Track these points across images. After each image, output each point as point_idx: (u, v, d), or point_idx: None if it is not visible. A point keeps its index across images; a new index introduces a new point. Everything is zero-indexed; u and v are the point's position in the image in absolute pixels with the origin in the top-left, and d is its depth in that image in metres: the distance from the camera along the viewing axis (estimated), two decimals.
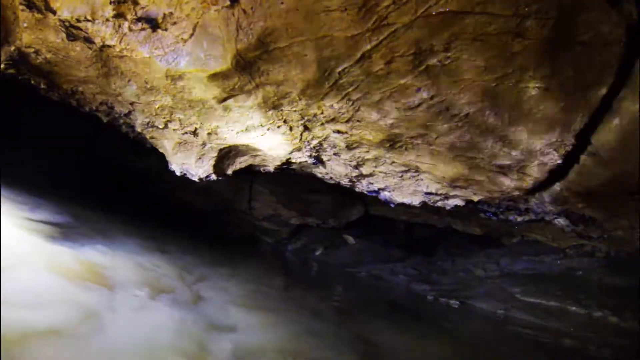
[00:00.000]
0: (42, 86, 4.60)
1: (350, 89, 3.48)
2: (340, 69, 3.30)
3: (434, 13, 2.78)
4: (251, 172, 5.27)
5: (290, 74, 3.47)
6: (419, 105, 3.39)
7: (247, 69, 3.49)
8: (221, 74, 3.53)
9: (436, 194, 4.51)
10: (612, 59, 2.88)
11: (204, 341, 3.12)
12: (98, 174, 7.98)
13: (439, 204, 4.68)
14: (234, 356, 3.05)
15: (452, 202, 4.61)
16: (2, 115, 6.39)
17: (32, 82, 4.55)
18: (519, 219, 4.86)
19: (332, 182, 4.94)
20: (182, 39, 3.41)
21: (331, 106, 3.69)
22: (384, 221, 8.30)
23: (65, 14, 3.48)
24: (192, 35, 3.35)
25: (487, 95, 3.22)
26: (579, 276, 5.83)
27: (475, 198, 4.30)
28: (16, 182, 5.51)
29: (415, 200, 4.68)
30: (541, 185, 3.81)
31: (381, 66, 3.19)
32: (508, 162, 3.62)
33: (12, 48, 3.88)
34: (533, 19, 2.71)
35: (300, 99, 3.71)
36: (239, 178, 5.53)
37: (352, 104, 3.62)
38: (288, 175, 5.60)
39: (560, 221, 4.96)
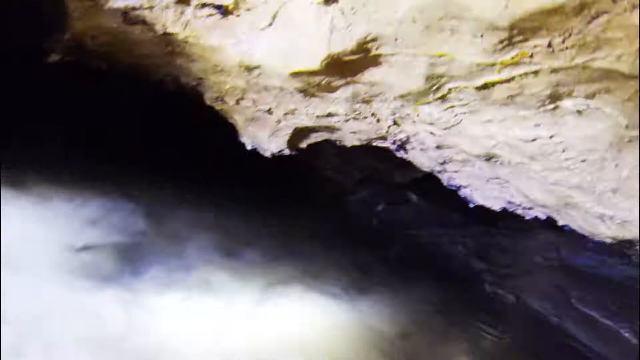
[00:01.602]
0: (103, 67, 4.31)
1: (457, 103, 2.97)
2: (451, 86, 2.80)
3: (593, 67, 2.30)
4: None
5: (388, 78, 2.95)
6: (533, 140, 2.93)
7: (338, 69, 2.95)
8: (307, 73, 3.01)
9: (519, 205, 4.19)
10: None
11: None
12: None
13: (519, 211, 4.36)
14: None
15: (533, 213, 4.28)
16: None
17: (92, 64, 4.27)
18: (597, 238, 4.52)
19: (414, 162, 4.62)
20: (257, 27, 2.90)
21: (430, 113, 3.19)
22: None
23: (118, 3, 3.08)
24: (270, 24, 2.84)
25: (614, 147, 2.76)
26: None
27: (561, 223, 3.97)
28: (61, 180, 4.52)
29: (496, 205, 4.35)
30: None
31: (503, 96, 2.67)
32: (611, 213, 3.20)
33: (67, 36, 3.59)
34: None
35: (395, 100, 3.20)
36: None
37: (455, 116, 3.13)
38: None
39: None
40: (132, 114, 6.03)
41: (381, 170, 7.48)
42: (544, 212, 4.00)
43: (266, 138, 4.32)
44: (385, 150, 4.44)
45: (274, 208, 6.15)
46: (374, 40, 2.64)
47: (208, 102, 4.30)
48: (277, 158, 4.41)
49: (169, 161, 5.94)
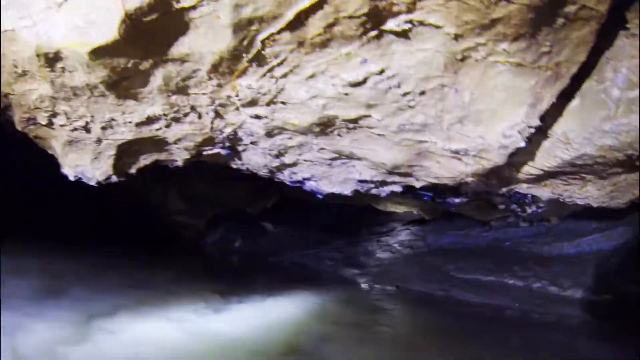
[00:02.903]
0: None
1: (274, 63, 2.59)
2: (263, 36, 2.40)
3: None
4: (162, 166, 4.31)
5: (197, 45, 2.52)
6: (364, 81, 2.60)
7: (141, 41, 2.49)
8: (107, 49, 2.50)
9: (371, 182, 3.82)
10: (589, 37, 2.42)
11: None
12: None
13: (373, 191, 4.02)
14: None
15: (388, 189, 3.97)
16: None
17: None
18: (457, 200, 4.40)
19: (249, 172, 4.12)
20: (55, 2, 2.41)
21: (249, 86, 2.79)
22: (301, 204, 7.53)
23: None
24: None
25: (450, 69, 2.53)
26: (507, 247, 5.74)
27: (418, 184, 3.68)
28: None
29: (347, 190, 3.98)
30: (499, 168, 3.29)
31: (320, 30, 2.32)
32: (465, 147, 2.96)
33: None
34: None
35: (210, 79, 2.78)
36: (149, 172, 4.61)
37: (276, 82, 2.74)
38: (201, 166, 4.71)
39: (498, 200, 4.60)
40: None
41: (231, 204, 7.37)
42: (399, 180, 3.72)
43: (89, 164, 3.74)
44: (228, 178, 3.90)
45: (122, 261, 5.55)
46: None
47: (20, 128, 3.59)
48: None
49: None
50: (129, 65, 2.69)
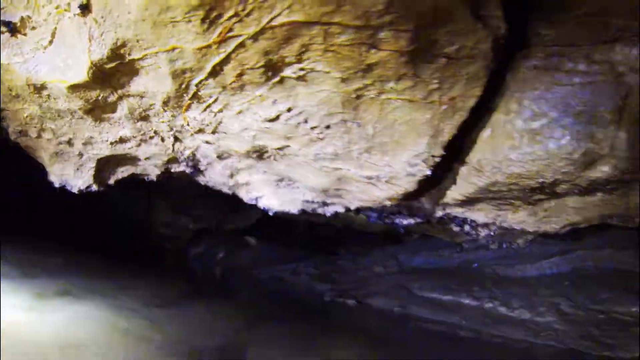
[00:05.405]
0: None
1: (210, 101, 3.25)
2: (196, 81, 3.07)
3: (277, 24, 2.51)
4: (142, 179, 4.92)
5: (149, 86, 3.23)
6: (277, 117, 3.17)
7: (107, 81, 3.26)
8: (81, 86, 3.29)
9: (313, 202, 4.25)
10: (481, 72, 2.74)
11: None
12: None
13: (319, 210, 4.43)
14: None
15: (331, 209, 4.35)
16: None
17: None
18: (405, 222, 4.72)
19: (216, 188, 4.63)
20: (41, 45, 3.19)
21: (195, 118, 3.46)
22: (284, 221, 7.95)
23: None
24: (51, 42, 3.13)
25: (348, 106, 2.99)
26: (474, 268, 5.90)
27: (352, 206, 4.09)
28: None
29: (294, 209, 4.39)
30: (414, 194, 3.64)
31: (234, 78, 2.95)
32: (376, 174, 3.41)
33: None
34: (387, 31, 2.45)
35: (165, 111, 3.48)
36: (134, 186, 5.21)
37: (215, 116, 3.38)
38: (181, 180, 5.23)
39: (446, 224, 4.89)
40: None
41: (215, 219, 7.92)
42: (337, 202, 4.11)
43: (72, 174, 4.45)
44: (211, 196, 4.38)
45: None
46: (123, 45, 2.90)
47: (13, 138, 4.38)
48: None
49: None
50: (99, 98, 3.46)
